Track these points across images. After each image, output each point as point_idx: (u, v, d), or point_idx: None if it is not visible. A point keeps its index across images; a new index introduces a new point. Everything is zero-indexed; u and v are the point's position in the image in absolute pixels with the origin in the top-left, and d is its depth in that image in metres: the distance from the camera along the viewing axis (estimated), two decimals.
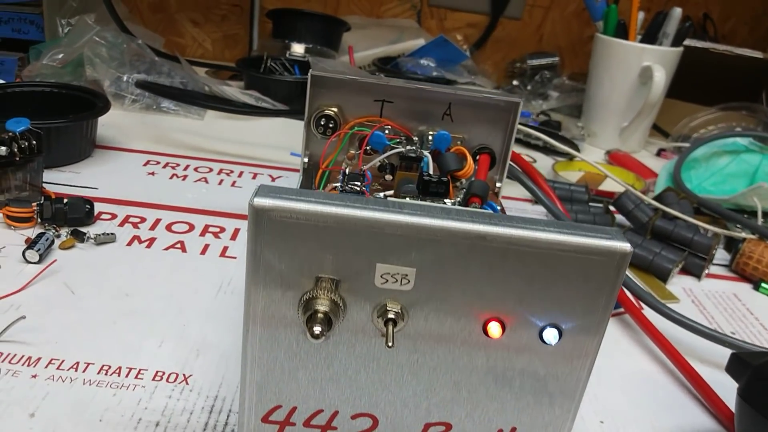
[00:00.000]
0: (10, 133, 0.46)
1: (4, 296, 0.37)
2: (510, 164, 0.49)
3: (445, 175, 0.42)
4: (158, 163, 0.59)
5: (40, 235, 0.42)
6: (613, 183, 0.66)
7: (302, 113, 0.46)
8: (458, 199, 0.42)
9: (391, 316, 0.26)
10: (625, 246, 0.25)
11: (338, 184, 0.44)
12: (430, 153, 0.45)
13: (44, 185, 0.51)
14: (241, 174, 0.59)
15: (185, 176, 0.57)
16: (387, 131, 0.46)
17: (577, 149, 0.75)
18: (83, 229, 0.45)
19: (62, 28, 0.78)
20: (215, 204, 0.53)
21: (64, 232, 0.45)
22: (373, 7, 1.02)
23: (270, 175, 0.60)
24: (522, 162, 0.49)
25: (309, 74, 0.45)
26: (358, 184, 0.39)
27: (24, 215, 0.45)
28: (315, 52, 0.89)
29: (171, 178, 0.57)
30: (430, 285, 0.25)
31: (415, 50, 0.93)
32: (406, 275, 0.25)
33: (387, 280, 0.25)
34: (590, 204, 0.61)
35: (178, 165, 0.59)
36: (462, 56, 0.94)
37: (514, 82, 1.02)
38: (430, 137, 0.47)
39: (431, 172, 0.44)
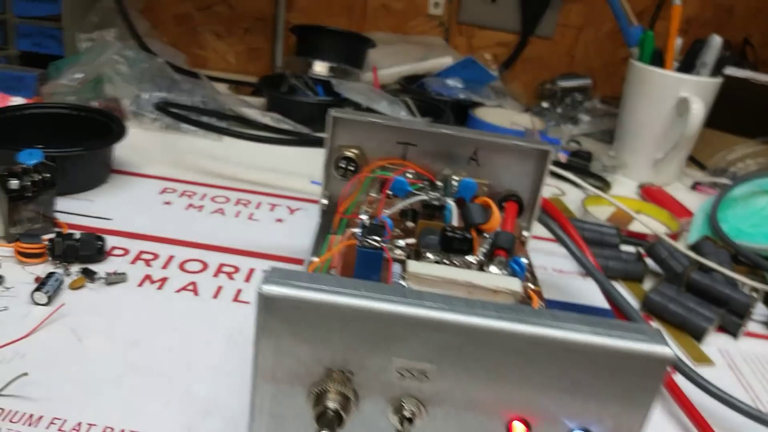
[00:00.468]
0: (23, 166, 0.45)
1: (9, 343, 0.36)
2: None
3: (469, 228, 0.40)
4: (175, 191, 0.58)
5: (49, 275, 0.41)
6: (647, 222, 0.63)
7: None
8: (483, 250, 0.39)
9: (407, 414, 0.24)
10: (666, 351, 0.22)
11: (357, 230, 0.42)
12: (454, 201, 0.43)
13: (57, 215, 0.49)
14: (258, 205, 0.58)
15: (201, 206, 0.56)
16: (409, 175, 0.44)
17: (608, 184, 0.73)
18: (94, 268, 0.44)
19: (82, 43, 0.77)
20: (231, 239, 0.51)
21: (74, 269, 0.43)
22: (399, 24, 1.00)
23: (288, 207, 0.58)
24: (552, 210, 0.46)
25: (330, 115, 0.43)
26: (378, 239, 0.37)
27: (35, 251, 0.43)
28: (339, 70, 0.87)
29: (187, 208, 0.55)
30: (449, 382, 0.23)
31: (442, 70, 0.91)
32: (425, 371, 0.23)
33: (403, 375, 0.23)
34: (622, 247, 0.59)
35: (194, 194, 0.58)
36: (490, 77, 0.91)
37: (544, 104, 0.99)
38: (454, 182, 0.44)
39: (454, 221, 0.42)
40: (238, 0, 0.98)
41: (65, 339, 0.37)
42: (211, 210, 0.56)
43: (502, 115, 0.90)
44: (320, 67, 0.85)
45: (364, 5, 0.98)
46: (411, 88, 0.89)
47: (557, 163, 0.70)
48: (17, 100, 0.66)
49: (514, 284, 0.32)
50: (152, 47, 0.79)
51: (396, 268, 0.36)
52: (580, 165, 0.76)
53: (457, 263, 0.38)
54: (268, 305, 0.22)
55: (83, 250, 0.44)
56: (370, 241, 0.37)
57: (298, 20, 0.97)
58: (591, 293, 0.51)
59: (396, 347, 0.22)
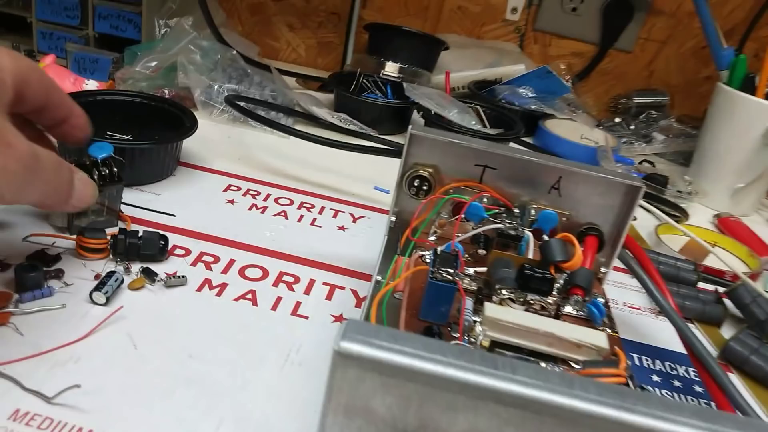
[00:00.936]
0: (93, 159, 0.45)
1: (65, 345, 0.35)
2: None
3: (548, 265, 0.37)
4: (239, 189, 0.57)
5: (109, 275, 0.40)
6: (724, 257, 0.59)
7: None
8: (557, 285, 0.37)
9: None
10: None
11: (427, 254, 0.40)
12: (531, 231, 0.41)
13: (123, 207, 0.49)
14: (322, 210, 0.56)
15: (265, 208, 0.55)
16: (485, 200, 0.42)
17: (686, 214, 0.69)
18: (155, 268, 0.43)
19: (159, 29, 0.77)
20: (292, 246, 0.50)
21: (135, 268, 0.43)
22: (474, 27, 0.97)
23: (351, 214, 0.57)
24: (631, 244, 0.44)
25: (408, 132, 0.41)
26: (452, 272, 0.35)
27: (97, 246, 0.43)
28: (409, 71, 0.85)
29: (250, 209, 0.54)
30: None
31: (514, 78, 0.88)
32: None
33: None
34: (699, 285, 0.55)
35: (258, 194, 0.57)
36: (564, 89, 0.88)
37: (617, 119, 0.95)
38: (532, 211, 0.42)
39: (530, 253, 0.39)
40: None
41: (121, 344, 0.37)
42: (273, 212, 0.55)
43: (572, 128, 0.86)
44: (391, 68, 0.83)
45: (440, 6, 0.96)
46: (481, 94, 0.86)
47: None
48: (91, 84, 0.66)
49: (600, 339, 0.29)
50: (227, 38, 0.79)
51: (468, 303, 0.35)
52: (655, 190, 0.72)
53: (532, 302, 0.36)
54: (344, 363, 0.20)
55: (145, 249, 0.44)
56: (443, 273, 0.35)
57: (373, 18, 0.96)
58: (665, 334, 0.48)
59: (479, 419, 0.20)
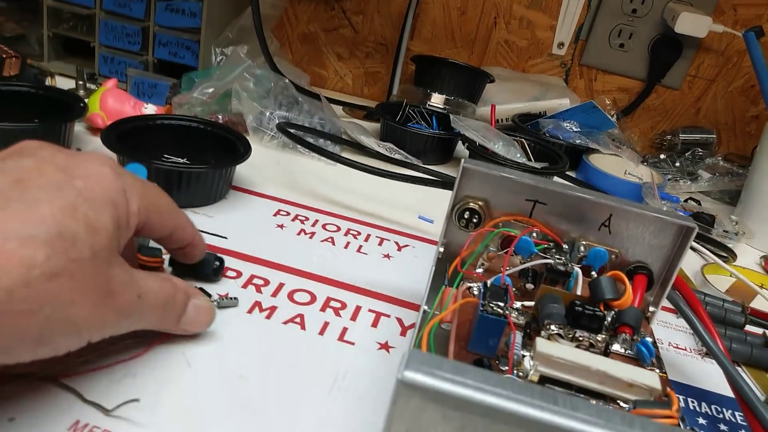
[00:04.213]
0: None
1: (124, 360, 0.37)
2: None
3: (597, 302, 0.37)
4: (288, 214, 0.59)
5: None
6: None
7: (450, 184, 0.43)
8: (606, 322, 0.37)
9: None
10: None
11: (476, 285, 0.41)
12: (580, 268, 0.41)
13: None
14: (368, 238, 0.57)
15: (313, 233, 0.56)
16: (534, 234, 0.43)
17: (734, 255, 0.68)
18: (208, 288, 0.44)
19: (215, 57, 0.80)
20: (339, 272, 0.51)
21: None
22: (520, 61, 0.98)
23: (396, 242, 0.58)
24: (684, 289, 0.43)
25: (461, 165, 0.42)
26: (502, 306, 0.35)
27: (153, 264, 0.45)
28: (454, 103, 0.86)
29: (299, 234, 0.56)
30: None
31: (559, 112, 0.89)
32: None
33: None
34: (746, 328, 0.54)
35: (307, 219, 0.58)
36: (609, 124, 0.88)
37: (662, 156, 0.95)
38: (582, 247, 0.42)
39: (578, 290, 0.39)
40: (363, 25, 0.99)
41: (176, 362, 0.38)
42: (321, 238, 0.56)
43: (616, 163, 0.86)
44: (437, 99, 0.84)
45: (487, 39, 0.97)
46: (525, 127, 0.87)
47: None
48: (150, 108, 0.69)
49: (653, 380, 0.29)
50: (279, 66, 0.81)
51: (517, 337, 0.35)
52: (702, 229, 0.72)
53: (581, 338, 0.36)
54: (407, 393, 0.21)
55: (201, 269, 0.45)
56: (493, 306, 0.35)
57: (420, 49, 0.98)
58: (712, 377, 0.48)
59: None
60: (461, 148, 0.83)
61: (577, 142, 0.84)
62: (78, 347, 0.31)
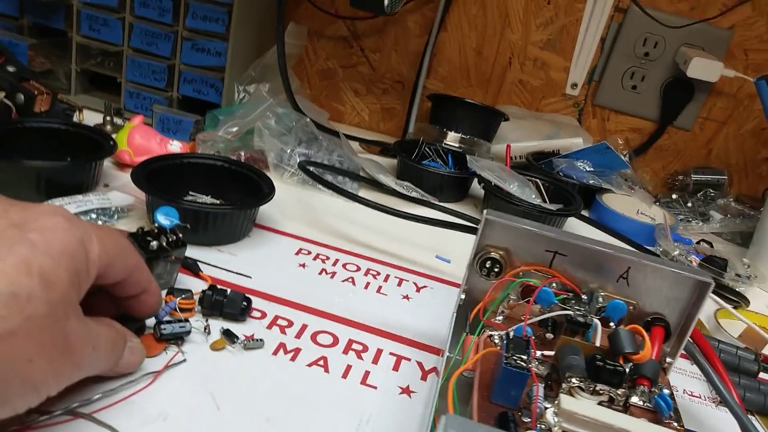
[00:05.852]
0: (160, 227, 0.47)
1: (138, 390, 0.38)
2: None
3: (616, 355, 0.39)
4: (309, 253, 0.60)
5: (180, 319, 0.43)
6: None
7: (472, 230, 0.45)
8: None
9: None
10: None
11: (497, 334, 0.42)
12: (599, 319, 0.42)
13: (203, 266, 0.52)
14: (387, 278, 0.59)
15: (334, 273, 0.57)
16: (554, 285, 0.44)
17: (746, 301, 0.68)
18: (234, 328, 0.46)
19: (238, 94, 0.82)
20: (360, 313, 0.52)
21: (215, 325, 0.46)
22: (534, 100, 1.00)
23: (415, 283, 0.59)
24: (700, 340, 0.44)
25: (484, 217, 0.43)
26: (525, 359, 0.36)
27: (186, 307, 0.46)
28: (469, 141, 0.88)
29: (320, 273, 0.57)
30: None
31: (572, 152, 0.90)
32: None
33: None
34: (760, 376, 0.55)
35: (327, 258, 0.60)
36: (622, 165, 0.89)
37: (674, 196, 0.96)
38: (600, 298, 0.43)
39: (597, 340, 0.41)
40: (381, 62, 1.01)
41: (205, 404, 0.39)
42: (342, 278, 0.57)
43: (629, 203, 0.87)
44: (453, 138, 0.86)
45: (501, 79, 0.99)
46: (539, 166, 0.88)
47: None
48: (175, 145, 0.71)
49: None
50: (299, 103, 0.83)
51: (540, 390, 0.36)
52: (714, 273, 0.72)
53: (601, 392, 0.37)
54: None
55: (229, 308, 0.47)
56: (516, 359, 0.36)
57: (436, 87, 1.00)
58: (726, 425, 0.48)
59: None
60: (476, 186, 0.84)
61: (591, 182, 0.85)
62: (37, 403, 0.31)
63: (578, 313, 0.42)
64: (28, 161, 0.57)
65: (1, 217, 0.31)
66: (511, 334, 0.39)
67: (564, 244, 0.43)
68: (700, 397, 0.52)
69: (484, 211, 0.44)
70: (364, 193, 0.79)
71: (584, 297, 0.44)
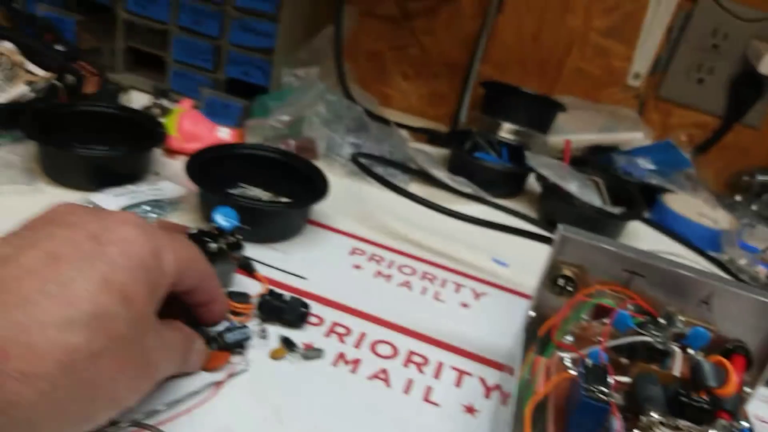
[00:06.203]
0: (219, 229, 0.46)
1: (201, 402, 0.37)
2: None
3: (698, 388, 0.36)
4: (363, 253, 0.58)
5: (241, 326, 0.42)
6: None
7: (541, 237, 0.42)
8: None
9: None
10: None
11: (567, 358, 0.40)
12: (679, 347, 0.40)
13: (257, 266, 0.51)
14: (444, 283, 0.57)
15: (389, 276, 0.55)
16: (630, 307, 0.41)
17: None
18: (291, 335, 0.44)
19: (286, 77, 0.79)
20: (419, 322, 0.50)
21: (272, 331, 0.44)
22: (592, 90, 0.95)
23: (473, 290, 0.57)
24: None
25: (559, 233, 0.41)
26: (606, 390, 0.34)
27: (242, 311, 0.45)
28: (524, 134, 0.85)
29: (376, 276, 0.55)
30: None
31: (634, 148, 0.86)
32: None
33: None
34: None
35: (382, 260, 0.58)
36: (685, 163, 0.85)
37: (737, 197, 0.91)
38: (679, 323, 0.41)
39: (675, 369, 0.38)
40: (433, 45, 0.98)
41: (268, 419, 0.38)
42: (398, 282, 0.55)
43: (690, 204, 0.83)
44: (508, 129, 0.83)
45: (559, 66, 0.95)
46: (596, 161, 0.85)
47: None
48: (224, 131, 0.70)
49: None
50: (351, 89, 0.81)
51: (619, 425, 0.34)
52: None
53: (683, 429, 0.34)
54: None
55: (287, 314, 0.45)
56: (596, 391, 0.34)
57: (489, 73, 0.96)
58: None
59: None
60: (531, 181, 0.81)
61: (653, 181, 0.81)
62: (117, 415, 0.32)
63: (658, 340, 0.39)
64: (82, 149, 0.56)
65: (79, 228, 0.31)
66: (589, 363, 0.37)
67: (645, 266, 0.40)
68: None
69: (559, 226, 0.41)
70: (415, 185, 0.76)
71: (662, 321, 0.41)
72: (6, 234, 0.31)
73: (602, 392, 0.34)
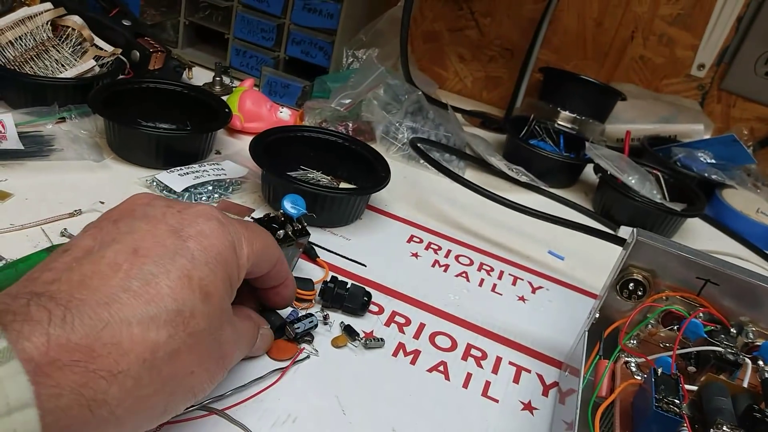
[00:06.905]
0: (287, 216, 0.46)
1: (266, 388, 0.38)
2: None
3: None
4: (421, 241, 0.58)
5: (307, 315, 0.42)
6: None
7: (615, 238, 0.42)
8: None
9: None
10: None
11: (632, 363, 0.40)
12: (750, 359, 0.39)
13: (320, 251, 0.52)
14: (501, 275, 0.57)
15: (447, 266, 0.56)
16: (701, 315, 0.41)
17: None
18: (353, 323, 0.45)
19: (346, 59, 0.79)
20: (476, 314, 0.50)
21: (334, 318, 0.45)
22: (654, 79, 0.93)
23: (530, 282, 0.57)
24: None
25: (634, 237, 0.40)
26: (678, 403, 0.34)
27: (306, 297, 0.45)
28: (582, 122, 0.83)
29: (433, 265, 0.55)
30: None
31: (695, 140, 0.84)
32: None
33: None
34: None
35: (440, 248, 0.58)
36: (748, 159, 0.83)
37: None
38: (751, 334, 0.40)
39: (744, 380, 0.38)
40: (490, 27, 0.96)
41: (331, 407, 0.38)
42: (455, 272, 0.55)
43: (749, 200, 0.81)
44: (566, 118, 0.81)
45: (621, 53, 0.93)
46: (654, 151, 0.83)
47: None
48: (284, 112, 0.70)
49: None
50: (411, 72, 0.80)
51: None
52: None
53: None
54: None
55: (349, 302, 0.46)
56: (668, 403, 0.34)
57: (547, 58, 0.94)
58: None
59: None
60: (587, 171, 0.80)
61: (713, 177, 0.79)
62: (190, 405, 0.32)
63: (729, 351, 0.39)
64: (149, 128, 0.57)
65: (160, 222, 0.31)
66: (659, 371, 0.36)
67: (720, 275, 0.40)
68: None
69: (633, 230, 0.41)
70: (470, 171, 0.76)
71: (733, 330, 0.40)
72: (88, 225, 0.32)
73: (674, 404, 0.34)
